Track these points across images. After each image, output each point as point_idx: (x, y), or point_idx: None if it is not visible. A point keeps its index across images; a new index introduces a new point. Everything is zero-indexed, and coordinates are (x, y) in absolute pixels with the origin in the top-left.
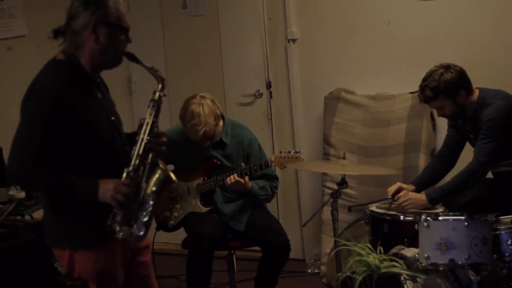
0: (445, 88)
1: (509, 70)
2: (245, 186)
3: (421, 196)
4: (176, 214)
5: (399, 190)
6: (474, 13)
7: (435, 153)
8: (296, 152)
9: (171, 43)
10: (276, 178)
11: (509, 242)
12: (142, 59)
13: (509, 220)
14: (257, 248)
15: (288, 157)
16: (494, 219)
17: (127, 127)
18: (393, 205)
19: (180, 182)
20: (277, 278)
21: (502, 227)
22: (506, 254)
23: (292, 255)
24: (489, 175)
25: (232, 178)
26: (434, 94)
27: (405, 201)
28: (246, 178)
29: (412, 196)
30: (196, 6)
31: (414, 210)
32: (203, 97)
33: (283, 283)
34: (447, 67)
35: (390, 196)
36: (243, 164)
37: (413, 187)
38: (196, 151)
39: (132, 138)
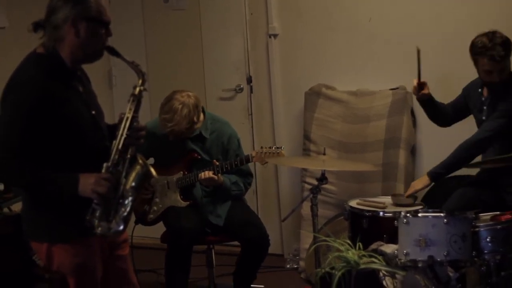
0: (508, 45)
1: None
2: (217, 182)
3: (423, 179)
4: (155, 208)
5: None
6: (455, 9)
7: (415, 150)
8: (278, 148)
9: (152, 37)
10: (251, 174)
11: (488, 239)
12: (122, 53)
13: (488, 217)
14: (236, 243)
15: (269, 153)
16: (474, 216)
17: (108, 121)
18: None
19: (159, 176)
20: (256, 273)
21: (481, 224)
22: (485, 251)
23: (271, 250)
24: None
25: (207, 173)
26: (504, 49)
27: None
28: (219, 174)
29: (414, 184)
30: (177, 0)
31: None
32: (189, 96)
33: (261, 278)
34: (496, 31)
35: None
36: (215, 161)
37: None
38: (176, 144)
39: (113, 130)
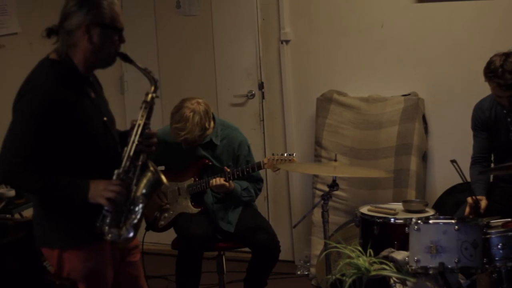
0: None
1: None
2: (229, 188)
3: None
4: (166, 214)
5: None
6: (467, 17)
7: (427, 156)
8: (289, 155)
9: (165, 43)
10: (261, 180)
11: (499, 246)
12: (135, 59)
13: (499, 224)
14: (246, 249)
15: (281, 160)
16: (485, 223)
17: (119, 127)
18: None
19: (170, 182)
20: (267, 279)
21: (493, 231)
22: (496, 258)
23: (281, 256)
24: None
25: (218, 180)
26: None
27: None
28: (230, 181)
29: None
30: (189, 6)
31: None
32: (199, 103)
33: (272, 284)
34: None
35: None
36: (226, 168)
37: (484, 199)
38: (187, 151)
39: (124, 137)
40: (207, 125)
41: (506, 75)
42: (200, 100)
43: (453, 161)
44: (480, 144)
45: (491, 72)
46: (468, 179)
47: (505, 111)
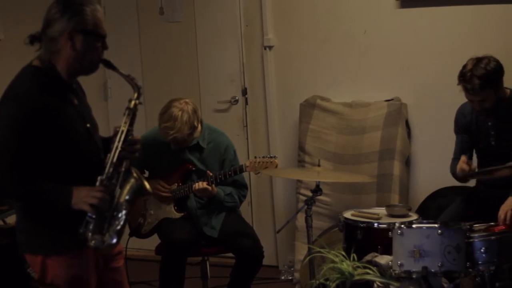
0: (492, 77)
1: None
2: (211, 192)
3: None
4: (149, 220)
5: None
6: (450, 22)
7: (410, 161)
8: (271, 157)
9: (148, 49)
10: (246, 187)
11: (482, 250)
12: (118, 65)
13: (482, 228)
14: (230, 254)
15: (263, 162)
16: (468, 227)
17: (103, 133)
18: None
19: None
20: (250, 284)
21: (476, 235)
22: (479, 262)
23: (265, 261)
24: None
25: (201, 184)
26: (482, 83)
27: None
28: (213, 185)
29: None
30: (173, 12)
31: None
32: (187, 103)
33: None
34: (488, 57)
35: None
36: (208, 171)
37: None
38: (172, 155)
39: (107, 143)
40: (195, 123)
41: (474, 80)
42: (188, 100)
43: None
44: (462, 146)
45: (461, 75)
46: None
47: (489, 123)
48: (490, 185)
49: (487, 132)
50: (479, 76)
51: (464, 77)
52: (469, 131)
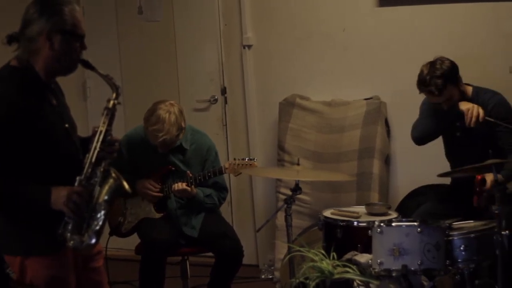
0: (450, 74)
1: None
2: (191, 193)
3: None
4: (129, 219)
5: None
6: (429, 20)
7: (389, 160)
8: (250, 160)
9: (127, 49)
10: (226, 189)
11: (461, 248)
12: (97, 65)
13: (462, 226)
14: (210, 253)
15: (242, 164)
16: (447, 225)
17: (82, 133)
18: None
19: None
20: (230, 283)
21: (455, 233)
22: (459, 260)
23: (245, 260)
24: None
25: (180, 185)
26: (443, 81)
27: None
28: (192, 186)
29: None
30: (152, 12)
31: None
32: (172, 104)
33: None
34: (439, 58)
35: None
36: (188, 172)
37: None
38: (157, 155)
39: (86, 144)
40: (183, 124)
41: (435, 81)
42: (172, 102)
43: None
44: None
45: (420, 83)
46: None
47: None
48: (464, 182)
49: (453, 124)
50: (439, 76)
51: (424, 83)
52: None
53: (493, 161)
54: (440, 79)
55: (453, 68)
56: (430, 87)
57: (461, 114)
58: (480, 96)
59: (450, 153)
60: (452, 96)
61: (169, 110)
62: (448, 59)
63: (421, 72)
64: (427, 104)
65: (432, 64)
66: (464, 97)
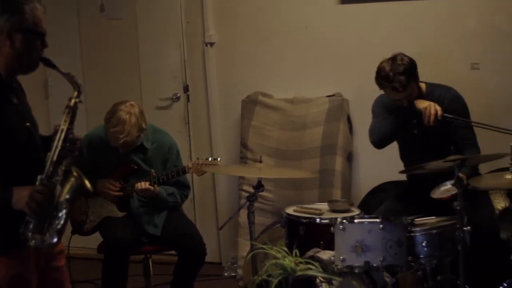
0: (411, 70)
1: (423, 76)
2: (153, 192)
3: None
4: (92, 218)
5: None
6: (391, 18)
7: (352, 156)
8: (214, 159)
9: (89, 47)
10: (188, 187)
11: (423, 244)
12: (58, 63)
13: (424, 222)
14: (173, 252)
15: (206, 164)
16: (409, 221)
17: (44, 132)
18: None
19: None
20: (194, 281)
21: (417, 229)
22: (421, 256)
23: (208, 258)
24: (403, 177)
25: (143, 184)
26: (407, 77)
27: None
28: (155, 185)
29: None
30: (113, 9)
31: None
32: (133, 105)
33: (199, 286)
34: (398, 55)
35: None
36: (152, 171)
37: None
38: (117, 154)
39: (48, 142)
40: (143, 125)
41: (399, 77)
42: (133, 102)
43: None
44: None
45: (383, 79)
46: None
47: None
48: (422, 179)
49: (410, 122)
50: (402, 72)
51: (387, 79)
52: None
53: (455, 157)
54: (403, 75)
55: (413, 64)
56: (394, 83)
57: (418, 112)
58: (435, 92)
59: (407, 153)
60: (412, 93)
61: (130, 111)
62: (406, 55)
63: (383, 68)
64: (380, 107)
65: (393, 61)
66: (421, 94)
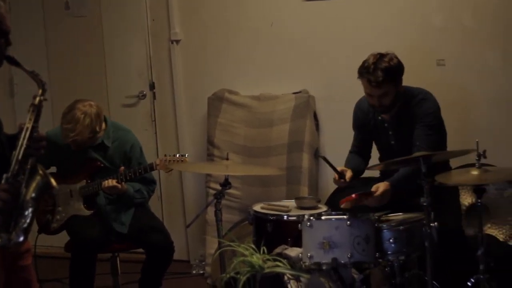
0: (393, 72)
1: None
2: (121, 190)
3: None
4: (58, 217)
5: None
6: (358, 14)
7: (319, 153)
8: (182, 156)
9: (54, 45)
10: (154, 182)
11: (391, 240)
12: (23, 61)
13: (391, 218)
14: (141, 250)
15: (173, 161)
16: (376, 217)
17: (10, 130)
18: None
19: (62, 185)
20: (162, 279)
21: (384, 225)
22: (389, 252)
23: (176, 256)
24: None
25: (110, 182)
26: (384, 76)
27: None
28: (122, 182)
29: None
30: (78, 7)
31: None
32: (91, 106)
33: (168, 284)
34: (391, 54)
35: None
36: (121, 168)
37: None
38: (78, 153)
39: (13, 141)
40: (97, 128)
41: (378, 72)
42: (92, 103)
43: (322, 157)
44: (360, 138)
45: (364, 68)
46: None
47: (380, 118)
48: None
49: (385, 131)
50: (382, 69)
51: (367, 70)
52: (367, 129)
53: (420, 153)
54: (382, 72)
55: (399, 67)
56: (369, 76)
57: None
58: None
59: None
60: (387, 94)
61: (86, 111)
62: (397, 58)
63: (368, 59)
64: (355, 114)
65: (381, 56)
66: (397, 100)
